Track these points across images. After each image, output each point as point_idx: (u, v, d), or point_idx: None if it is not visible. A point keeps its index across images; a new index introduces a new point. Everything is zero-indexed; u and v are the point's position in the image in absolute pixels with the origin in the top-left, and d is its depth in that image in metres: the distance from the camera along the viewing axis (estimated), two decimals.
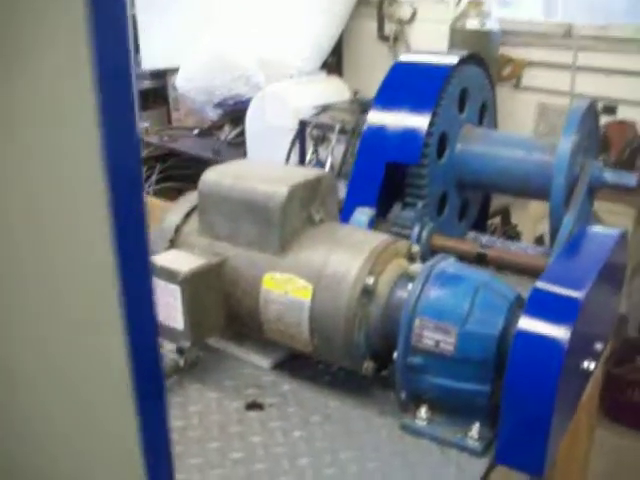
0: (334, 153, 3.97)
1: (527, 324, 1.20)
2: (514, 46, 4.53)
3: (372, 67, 5.08)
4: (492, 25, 4.29)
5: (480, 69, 1.95)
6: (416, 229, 1.73)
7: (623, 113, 4.06)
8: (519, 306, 1.27)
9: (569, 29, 4.27)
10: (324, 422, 1.37)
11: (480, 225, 2.19)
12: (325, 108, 4.24)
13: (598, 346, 1.47)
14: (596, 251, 1.43)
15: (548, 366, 1.17)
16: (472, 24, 4.28)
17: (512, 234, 4.12)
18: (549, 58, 4.41)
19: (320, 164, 4.06)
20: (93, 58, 0.41)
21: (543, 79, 4.47)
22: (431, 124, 1.72)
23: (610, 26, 4.29)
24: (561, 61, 4.32)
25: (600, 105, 3.92)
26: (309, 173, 1.47)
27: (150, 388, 0.51)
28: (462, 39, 4.33)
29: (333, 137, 3.93)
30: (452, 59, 1.81)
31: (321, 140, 4.10)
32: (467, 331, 1.23)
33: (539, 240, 3.98)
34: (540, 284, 1.26)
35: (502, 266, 1.74)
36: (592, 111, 1.82)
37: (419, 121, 1.72)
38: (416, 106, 1.74)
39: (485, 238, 2.15)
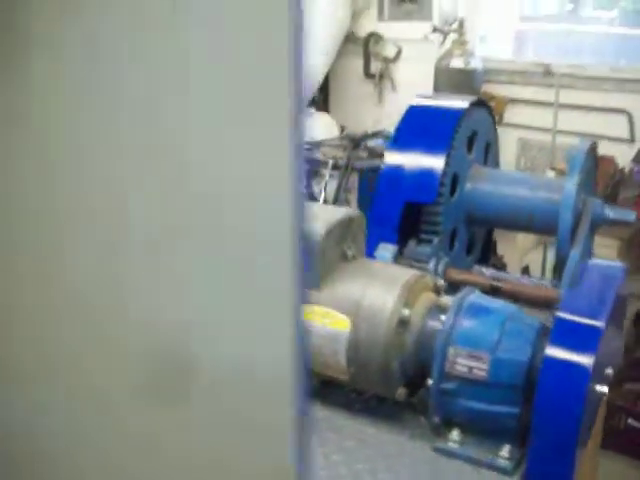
0: (327, 189, 4.08)
1: (554, 351, 1.31)
2: (497, 84, 4.71)
3: (358, 104, 5.24)
4: (476, 64, 4.46)
5: (486, 112, 2.08)
6: (432, 263, 1.84)
7: (603, 149, 4.23)
8: (543, 334, 1.38)
9: (548, 68, 4.46)
10: (360, 446, 1.46)
11: (484, 259, 2.31)
12: (317, 144, 4.36)
13: (609, 371, 1.58)
14: (607, 283, 1.55)
15: (575, 389, 1.28)
16: (456, 63, 4.45)
17: (498, 265, 4.25)
18: (530, 96, 4.60)
19: (313, 199, 4.17)
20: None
21: (524, 116, 4.65)
22: (445, 164, 1.84)
23: (587, 65, 4.49)
24: (541, 98, 4.51)
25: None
26: (341, 212, 1.58)
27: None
28: (447, 77, 4.50)
29: (326, 173, 4.04)
30: (463, 103, 1.94)
31: (313, 175, 4.22)
32: (498, 358, 1.34)
33: (525, 270, 4.12)
34: (562, 314, 1.37)
35: (514, 297, 1.85)
36: (592, 151, 1.95)
37: (435, 162, 1.83)
38: (431, 148, 1.86)
39: (489, 271, 2.27)
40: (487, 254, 2.35)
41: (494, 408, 1.35)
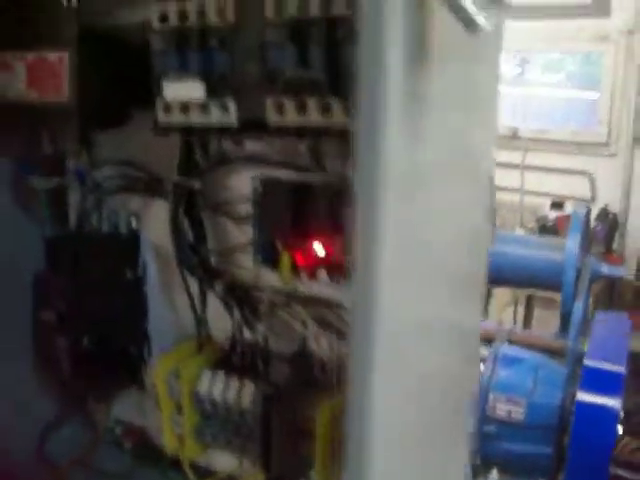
0: None
1: (585, 396, 1.47)
2: None
3: None
4: None
5: None
6: None
7: (568, 208, 4.48)
8: (569, 379, 1.55)
9: (516, 132, 4.73)
10: None
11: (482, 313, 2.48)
12: None
13: (621, 414, 1.74)
14: (620, 333, 1.72)
15: (606, 429, 1.44)
16: None
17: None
18: (498, 158, 4.85)
19: None
20: None
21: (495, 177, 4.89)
22: None
23: (550, 129, 4.78)
24: (509, 161, 4.76)
25: (549, 201, 4.36)
26: None
27: None
28: None
29: None
30: None
31: None
32: (534, 402, 1.49)
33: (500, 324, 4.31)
34: (589, 362, 1.53)
35: (524, 347, 2.02)
36: (587, 215, 2.15)
37: None
38: None
39: (484, 323, 2.43)
40: (485, 309, 2.52)
41: (530, 447, 1.50)
